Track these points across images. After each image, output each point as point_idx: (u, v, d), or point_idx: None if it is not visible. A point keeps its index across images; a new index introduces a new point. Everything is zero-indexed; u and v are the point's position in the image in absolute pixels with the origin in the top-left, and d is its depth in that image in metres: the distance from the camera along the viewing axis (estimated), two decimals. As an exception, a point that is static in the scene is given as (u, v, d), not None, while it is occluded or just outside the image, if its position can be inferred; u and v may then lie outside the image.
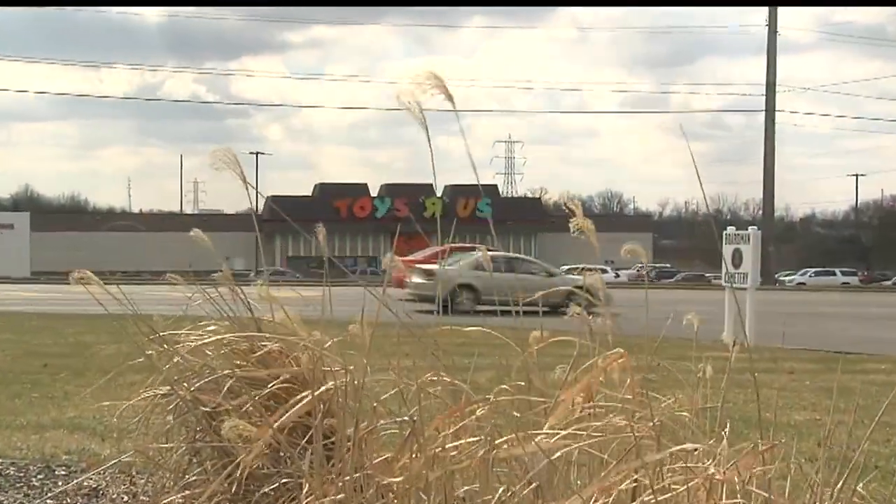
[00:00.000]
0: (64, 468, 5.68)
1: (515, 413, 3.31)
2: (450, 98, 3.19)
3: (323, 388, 3.54)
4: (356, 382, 3.49)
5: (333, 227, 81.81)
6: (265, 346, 3.80)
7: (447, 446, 3.22)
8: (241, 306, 4.13)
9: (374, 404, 3.53)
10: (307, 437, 3.48)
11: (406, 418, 3.34)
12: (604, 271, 58.63)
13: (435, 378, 3.55)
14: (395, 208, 77.65)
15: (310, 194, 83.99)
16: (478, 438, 3.22)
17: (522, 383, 3.48)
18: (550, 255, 76.19)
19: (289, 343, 3.84)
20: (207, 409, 3.76)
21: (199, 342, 3.93)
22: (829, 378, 10.63)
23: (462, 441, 3.23)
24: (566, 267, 58.59)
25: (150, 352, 4.07)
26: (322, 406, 3.47)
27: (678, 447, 2.95)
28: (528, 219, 75.63)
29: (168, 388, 3.99)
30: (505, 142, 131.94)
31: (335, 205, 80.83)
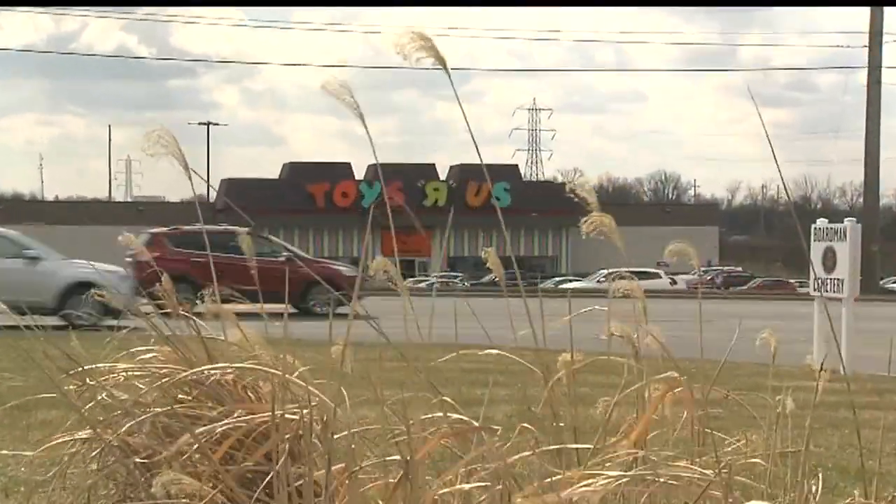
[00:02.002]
0: (-44, 534, 5.68)
1: (535, 457, 3.30)
2: (441, 63, 3.20)
3: (292, 418, 3.53)
4: (325, 418, 3.49)
5: (307, 220, 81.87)
6: (214, 374, 3.80)
7: (447, 490, 3.22)
8: (190, 323, 4.12)
9: (353, 445, 3.53)
10: (269, 486, 3.48)
11: (397, 457, 3.34)
12: (652, 276, 58.62)
13: (435, 415, 3.54)
14: (387, 195, 77.76)
15: (276, 177, 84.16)
16: (485, 484, 3.21)
17: (555, 424, 3.46)
18: (585, 256, 76.24)
19: (246, 370, 3.84)
20: (141, 459, 3.76)
21: (131, 373, 3.93)
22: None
23: (469, 485, 3.23)
24: (604, 271, 58.60)
25: (70, 387, 4.07)
26: (294, 448, 3.46)
27: (752, 504, 2.95)
28: (557, 209, 75.63)
29: (91, 430, 3.99)
30: (528, 109, 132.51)
31: (309, 190, 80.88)
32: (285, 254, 28.67)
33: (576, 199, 3.53)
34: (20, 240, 23.10)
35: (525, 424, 3.50)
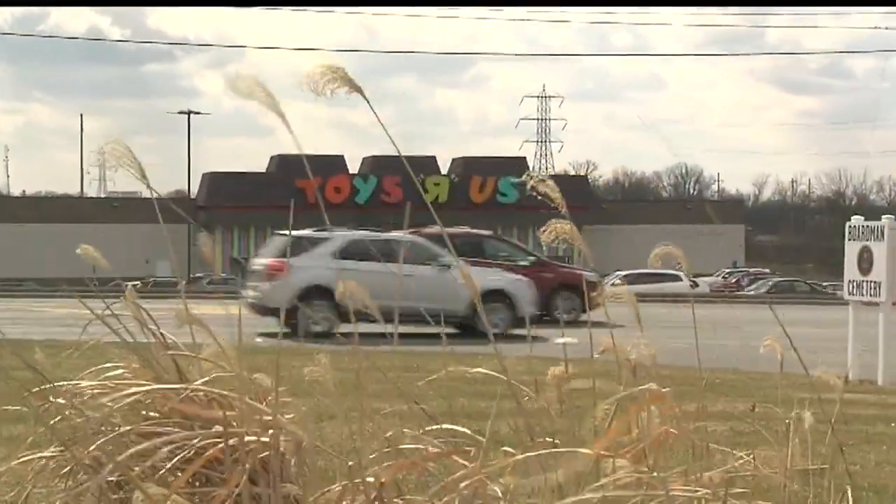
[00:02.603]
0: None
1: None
2: (357, 90, 3.21)
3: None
4: (300, 443, 3.49)
5: (297, 217, 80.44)
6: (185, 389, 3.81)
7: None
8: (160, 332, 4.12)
9: (320, 463, 3.53)
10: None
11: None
12: (672, 278, 58.55)
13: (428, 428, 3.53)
14: (384, 191, 77.87)
15: (263, 170, 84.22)
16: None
17: (550, 439, 3.47)
18: (601, 257, 76.01)
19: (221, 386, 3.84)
20: (114, 478, 3.76)
21: (98, 391, 3.94)
22: None
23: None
24: (621, 273, 58.57)
25: (41, 405, 4.08)
26: (262, 471, 3.46)
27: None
28: (568, 205, 75.55)
29: (59, 447, 3.99)
30: (537, 97, 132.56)
31: (299, 185, 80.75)
32: (531, 258, 28.88)
33: (598, 197, 3.51)
34: (432, 247, 23.63)
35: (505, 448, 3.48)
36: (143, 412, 3.92)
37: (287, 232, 26.16)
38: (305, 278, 21.83)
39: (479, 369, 4.12)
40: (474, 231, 29.90)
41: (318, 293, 21.46)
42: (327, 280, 20.94)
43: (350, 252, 22.54)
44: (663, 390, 3.05)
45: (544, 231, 3.52)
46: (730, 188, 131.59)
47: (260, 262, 23.79)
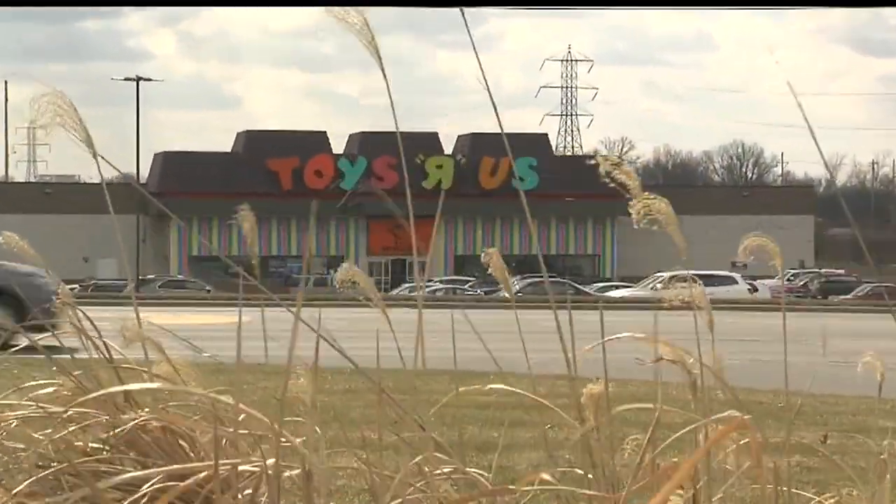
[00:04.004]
0: None
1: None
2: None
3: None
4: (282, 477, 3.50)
5: (269, 206, 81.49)
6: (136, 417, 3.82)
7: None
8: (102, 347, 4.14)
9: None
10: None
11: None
12: (726, 282, 58.48)
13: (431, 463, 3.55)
14: (375, 174, 77.88)
15: (228, 150, 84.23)
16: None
17: (580, 471, 3.48)
18: (636, 255, 75.87)
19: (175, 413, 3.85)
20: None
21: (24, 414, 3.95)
22: None
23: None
24: (661, 275, 58.41)
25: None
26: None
27: None
28: (599, 193, 75.58)
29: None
30: (561, 61, 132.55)
31: (272, 167, 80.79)
32: None
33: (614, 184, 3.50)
34: None
35: (546, 477, 3.50)
36: (81, 444, 3.92)
37: None
38: None
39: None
40: None
41: None
42: None
43: None
44: (743, 417, 3.04)
45: (634, 207, 3.47)
46: (796, 171, 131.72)
47: None
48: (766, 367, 15.63)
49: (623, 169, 3.51)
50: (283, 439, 3.62)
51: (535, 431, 8.50)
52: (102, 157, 3.82)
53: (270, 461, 3.58)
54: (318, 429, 3.62)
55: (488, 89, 3.54)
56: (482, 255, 3.93)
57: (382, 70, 3.56)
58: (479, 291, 63.70)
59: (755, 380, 9.89)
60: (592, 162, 3.56)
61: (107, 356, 4.11)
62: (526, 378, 4.01)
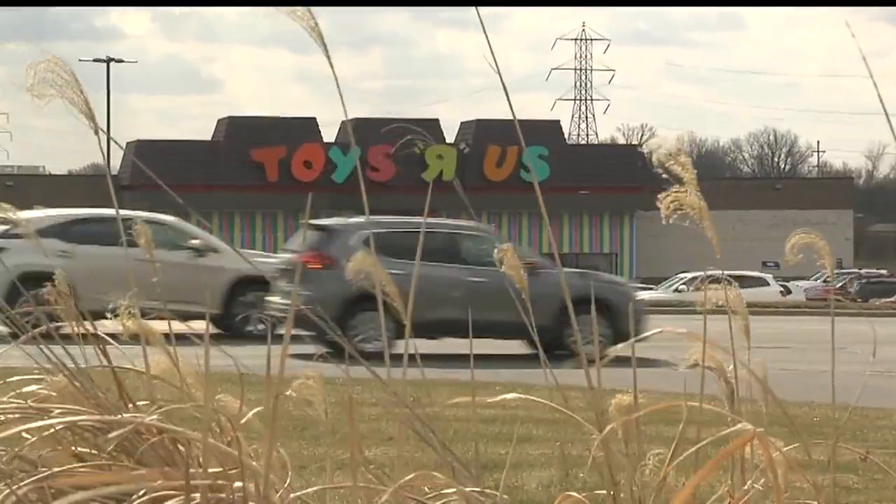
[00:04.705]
0: None
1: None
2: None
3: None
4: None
5: (254, 200, 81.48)
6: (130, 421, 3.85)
7: None
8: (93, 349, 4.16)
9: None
10: None
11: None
12: (756, 282, 58.51)
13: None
14: (370, 165, 77.90)
15: (209, 138, 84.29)
16: None
17: (603, 492, 3.51)
18: (658, 254, 75.93)
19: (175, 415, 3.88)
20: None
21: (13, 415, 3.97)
22: None
23: None
24: (687, 275, 58.30)
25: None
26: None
27: None
28: (617, 185, 75.73)
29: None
30: (574, 40, 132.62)
31: (256, 158, 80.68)
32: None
33: (658, 174, 3.51)
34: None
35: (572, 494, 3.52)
36: (74, 448, 3.94)
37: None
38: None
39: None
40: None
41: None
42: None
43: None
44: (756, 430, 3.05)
45: (664, 198, 3.46)
46: (834, 162, 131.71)
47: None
48: (800, 378, 15.62)
49: (681, 160, 3.48)
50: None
51: (547, 448, 8.51)
52: (98, 132, 3.79)
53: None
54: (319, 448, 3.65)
55: (498, 71, 3.54)
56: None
57: (328, 57, 3.59)
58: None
59: (787, 392, 9.88)
60: (644, 150, 3.57)
61: (105, 357, 4.13)
62: (544, 389, 4.02)
